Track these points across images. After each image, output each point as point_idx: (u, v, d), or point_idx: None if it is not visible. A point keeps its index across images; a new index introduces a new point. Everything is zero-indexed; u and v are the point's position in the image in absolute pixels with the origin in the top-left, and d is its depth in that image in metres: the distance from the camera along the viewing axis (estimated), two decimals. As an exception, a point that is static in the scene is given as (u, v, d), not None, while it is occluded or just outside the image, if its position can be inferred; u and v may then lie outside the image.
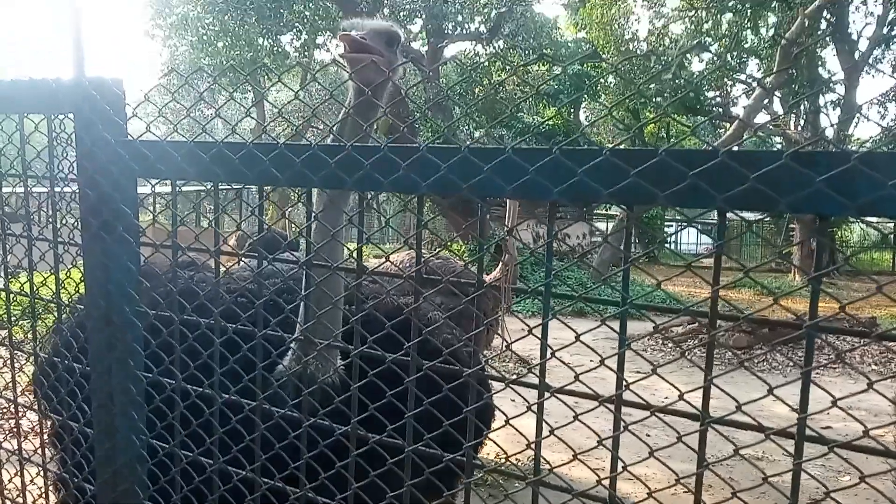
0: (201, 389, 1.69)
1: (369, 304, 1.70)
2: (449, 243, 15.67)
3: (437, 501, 1.71)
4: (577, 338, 1.28)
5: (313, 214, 1.73)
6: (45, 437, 2.16)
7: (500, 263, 7.03)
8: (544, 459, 1.28)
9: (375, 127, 1.97)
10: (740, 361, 1.23)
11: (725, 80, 22.81)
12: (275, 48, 19.94)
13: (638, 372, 1.52)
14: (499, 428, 1.46)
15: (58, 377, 2.01)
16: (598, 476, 1.22)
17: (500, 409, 1.53)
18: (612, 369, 1.19)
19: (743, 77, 22.86)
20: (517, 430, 1.39)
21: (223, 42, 19.26)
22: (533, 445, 1.30)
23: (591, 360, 1.24)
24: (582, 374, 1.22)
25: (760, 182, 1.05)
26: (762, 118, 20.81)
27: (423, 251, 1.47)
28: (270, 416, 1.63)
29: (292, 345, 1.91)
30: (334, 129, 1.90)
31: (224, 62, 17.81)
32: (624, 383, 1.19)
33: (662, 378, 1.27)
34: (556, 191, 1.22)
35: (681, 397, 1.15)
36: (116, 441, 1.84)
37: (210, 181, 1.67)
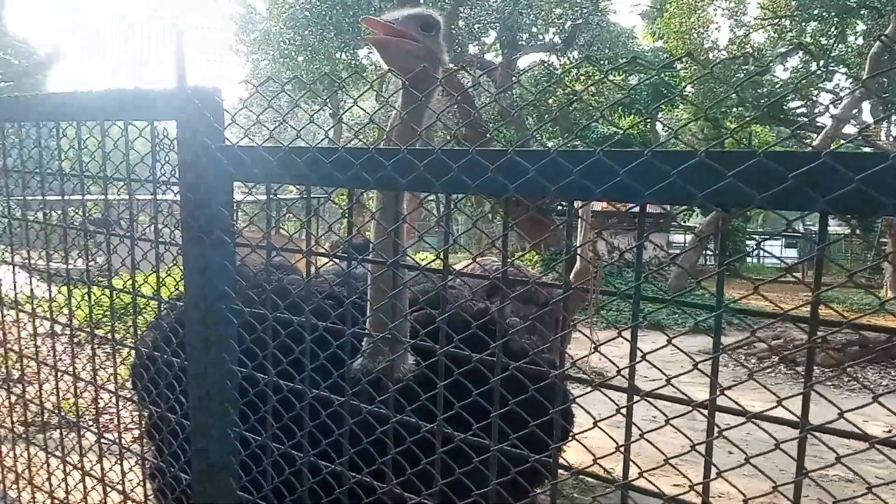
0: (292, 385, 1.75)
1: (452, 307, 1.72)
2: (522, 254, 15.59)
3: (522, 502, 1.71)
4: (670, 341, 1.26)
5: (372, 214, 1.77)
6: (143, 428, 2.27)
7: (573, 274, 6.98)
8: (633, 463, 1.27)
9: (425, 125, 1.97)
10: (840, 367, 1.19)
11: (811, 89, 21.96)
12: (352, 62, 20.40)
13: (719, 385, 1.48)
14: (584, 431, 1.46)
15: (157, 371, 2.11)
16: (691, 481, 1.21)
17: (584, 409, 1.51)
18: (704, 373, 1.17)
19: (829, 86, 21.97)
20: (606, 431, 1.38)
21: (303, 56, 19.82)
22: (615, 452, 1.30)
23: (679, 368, 1.23)
24: (673, 377, 1.21)
25: (865, 184, 1.02)
26: (851, 129, 19.93)
27: (494, 260, 1.49)
28: (356, 412, 1.68)
29: (364, 343, 1.96)
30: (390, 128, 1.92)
31: (304, 76, 18.30)
32: (718, 388, 1.17)
33: (758, 381, 1.25)
34: (648, 193, 1.21)
35: (779, 403, 1.13)
36: (211, 434, 1.92)
37: (303, 184, 1.74)
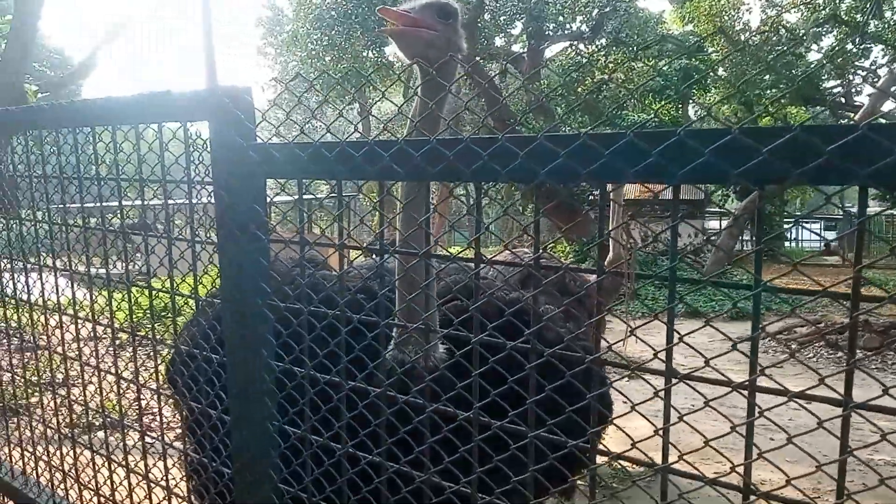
0: (329, 377, 1.77)
1: (485, 295, 1.72)
2: (552, 242, 15.52)
3: (560, 487, 1.70)
4: (707, 322, 1.24)
5: (402, 206, 1.78)
6: (184, 425, 2.32)
7: (606, 261, 6.91)
8: (673, 446, 1.25)
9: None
10: (883, 348, 1.16)
11: (847, 67, 21.42)
12: (379, 59, 20.46)
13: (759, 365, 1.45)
14: (621, 415, 1.45)
15: (196, 367, 2.15)
16: (733, 464, 1.19)
17: (622, 394, 1.50)
18: (744, 353, 1.16)
19: (866, 64, 21.39)
20: (645, 416, 1.37)
21: (330, 56, 19.94)
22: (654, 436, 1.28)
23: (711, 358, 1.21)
24: (712, 358, 1.19)
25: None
26: (890, 105, 19.39)
27: (525, 251, 1.48)
28: (392, 402, 1.69)
29: (393, 333, 1.97)
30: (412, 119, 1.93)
31: (332, 75, 18.41)
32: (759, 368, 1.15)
33: (799, 360, 1.22)
34: (681, 173, 1.20)
35: (822, 381, 1.10)
36: (251, 428, 1.95)
37: (334, 179, 1.75)
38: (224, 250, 1.94)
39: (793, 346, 10.59)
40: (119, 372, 2.50)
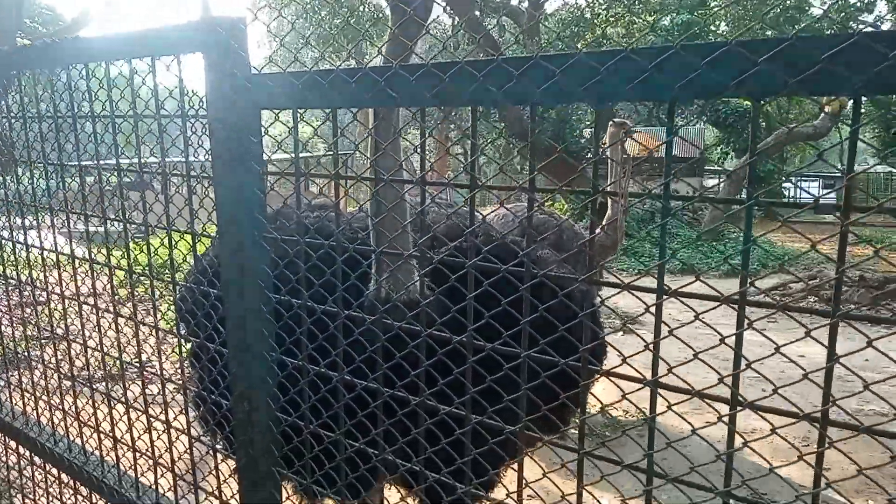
0: (325, 307, 1.79)
1: (481, 231, 1.73)
2: (550, 201, 15.48)
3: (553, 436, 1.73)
4: (698, 277, 1.26)
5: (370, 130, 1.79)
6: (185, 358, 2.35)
7: (605, 219, 6.93)
8: (662, 397, 1.27)
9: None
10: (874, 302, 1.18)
11: (851, 22, 21.13)
12: (375, 14, 20.16)
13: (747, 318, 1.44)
14: (614, 367, 1.46)
15: (195, 301, 2.17)
16: (719, 413, 1.21)
17: (615, 349, 1.51)
18: (732, 307, 1.17)
19: (870, 19, 21.12)
20: (635, 369, 1.39)
21: (326, 10, 19.64)
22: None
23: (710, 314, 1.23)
24: (702, 312, 1.21)
25: (902, 59, 0.99)
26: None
27: (522, 205, 1.48)
28: (386, 331, 1.71)
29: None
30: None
31: (328, 30, 18.15)
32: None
33: (787, 314, 1.24)
34: (678, 86, 1.19)
35: (808, 334, 1.13)
36: (249, 358, 1.97)
37: (329, 107, 1.74)
38: (219, 182, 1.94)
39: (787, 301, 10.69)
40: (117, 314, 2.52)
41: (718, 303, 1.22)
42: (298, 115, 1.80)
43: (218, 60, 1.88)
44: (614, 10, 19.24)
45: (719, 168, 24.35)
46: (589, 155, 17.21)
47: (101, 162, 2.48)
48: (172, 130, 2.19)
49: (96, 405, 2.73)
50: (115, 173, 2.45)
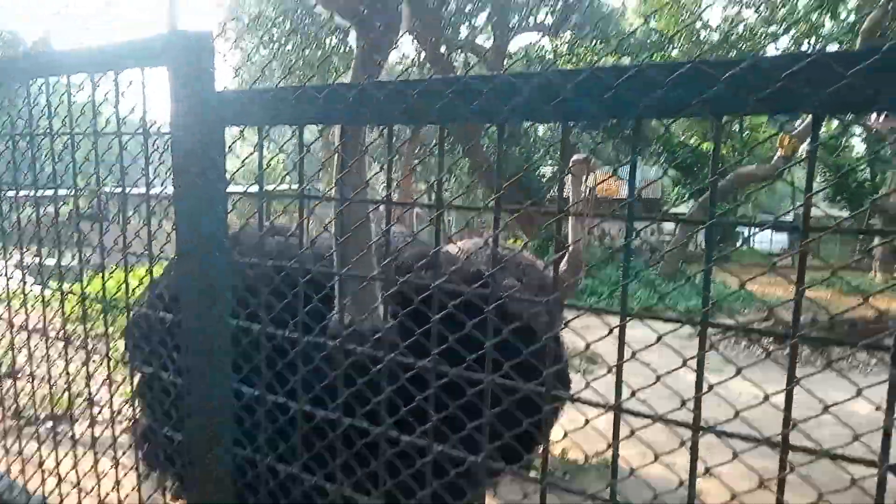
0: (285, 332, 1.75)
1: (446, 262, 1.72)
2: (513, 240, 15.60)
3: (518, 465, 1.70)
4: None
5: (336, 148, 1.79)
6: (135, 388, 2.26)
7: (565, 253, 6.97)
8: (624, 421, 1.27)
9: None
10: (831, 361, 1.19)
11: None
12: (343, 47, 20.28)
13: (719, 371, 1.46)
14: (575, 394, 1.46)
15: (150, 327, 2.10)
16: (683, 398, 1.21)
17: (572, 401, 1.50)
18: (692, 369, 1.18)
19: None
20: (592, 403, 1.39)
21: (293, 42, 19.70)
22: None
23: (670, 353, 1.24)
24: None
25: (859, 78, 1.02)
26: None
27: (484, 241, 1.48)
28: (348, 358, 1.68)
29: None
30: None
31: (294, 61, 18.18)
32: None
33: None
34: (643, 104, 1.21)
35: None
36: (205, 385, 1.91)
37: (296, 124, 1.72)
38: (180, 199, 1.89)
39: (742, 345, 10.83)
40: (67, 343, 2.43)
41: (680, 324, 1.23)
42: (264, 132, 1.78)
43: (184, 75, 1.85)
44: (577, 50, 19.73)
45: (675, 214, 24.88)
46: (551, 195, 17.44)
47: (57, 191, 2.42)
48: (134, 149, 2.15)
49: (41, 441, 2.62)
50: (72, 202, 2.39)
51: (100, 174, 2.20)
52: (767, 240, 29.42)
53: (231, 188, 1.87)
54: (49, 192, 2.54)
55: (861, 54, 1.03)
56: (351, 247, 1.89)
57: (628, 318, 1.29)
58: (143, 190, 2.08)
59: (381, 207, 1.59)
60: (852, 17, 18.82)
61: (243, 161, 1.93)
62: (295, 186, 1.77)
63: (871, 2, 16.65)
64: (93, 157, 2.21)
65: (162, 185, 2.02)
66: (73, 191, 2.32)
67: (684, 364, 1.24)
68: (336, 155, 1.89)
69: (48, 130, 2.38)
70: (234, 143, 1.88)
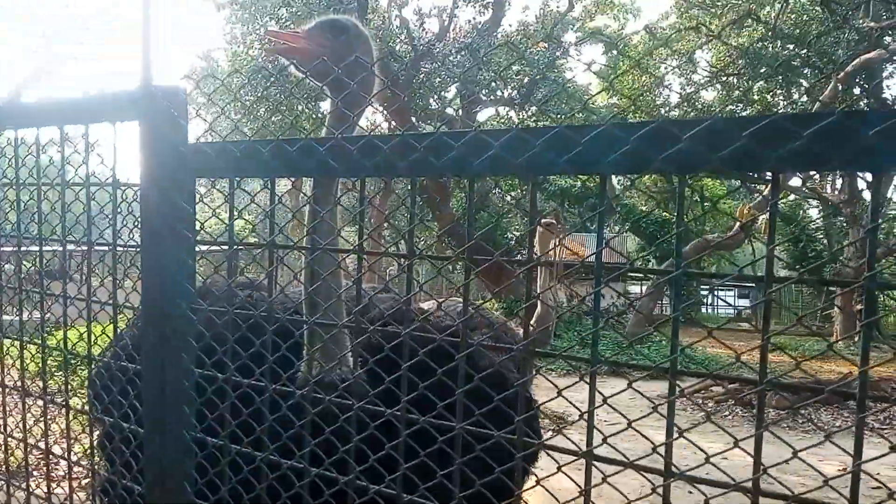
0: (250, 381, 1.72)
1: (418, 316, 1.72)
2: (483, 302, 15.60)
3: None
4: (630, 385, 1.28)
5: (309, 199, 1.82)
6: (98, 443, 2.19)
7: (534, 318, 7.03)
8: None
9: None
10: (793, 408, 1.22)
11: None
12: (313, 114, 20.55)
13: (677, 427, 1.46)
14: (548, 476, 1.45)
15: (111, 377, 2.05)
16: (654, 444, 1.21)
17: (547, 454, 1.50)
18: (662, 415, 1.20)
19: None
20: (569, 476, 1.39)
21: (264, 108, 19.93)
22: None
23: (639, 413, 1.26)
24: (635, 420, 1.22)
25: (814, 140, 1.07)
26: (796, 181, 20.72)
27: (458, 301, 1.50)
28: (316, 408, 1.65)
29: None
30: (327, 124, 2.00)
31: (265, 127, 18.34)
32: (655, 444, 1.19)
33: (714, 423, 1.27)
34: (608, 160, 1.25)
35: (736, 444, 1.16)
36: (166, 436, 1.86)
37: (268, 176, 1.74)
38: (147, 249, 1.88)
39: (710, 406, 10.89)
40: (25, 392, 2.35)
41: (650, 371, 1.24)
42: (235, 183, 1.79)
43: (155, 127, 1.86)
44: (542, 124, 20.26)
45: (641, 275, 25.27)
46: (519, 256, 17.61)
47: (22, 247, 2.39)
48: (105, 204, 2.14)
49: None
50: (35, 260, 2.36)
51: (66, 225, 2.17)
52: (731, 307, 29.90)
53: (201, 238, 1.86)
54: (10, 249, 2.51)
55: (816, 116, 1.09)
56: (321, 296, 1.89)
57: (597, 365, 1.30)
58: (109, 241, 2.05)
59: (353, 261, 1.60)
60: (805, 99, 19.72)
61: (213, 211, 1.92)
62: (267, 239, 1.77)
63: (821, 85, 17.52)
64: (59, 209, 2.19)
65: (129, 236, 2.00)
66: (39, 244, 2.29)
67: (655, 410, 1.24)
68: (308, 206, 1.91)
69: (14, 181, 2.35)
70: (205, 193, 1.88)
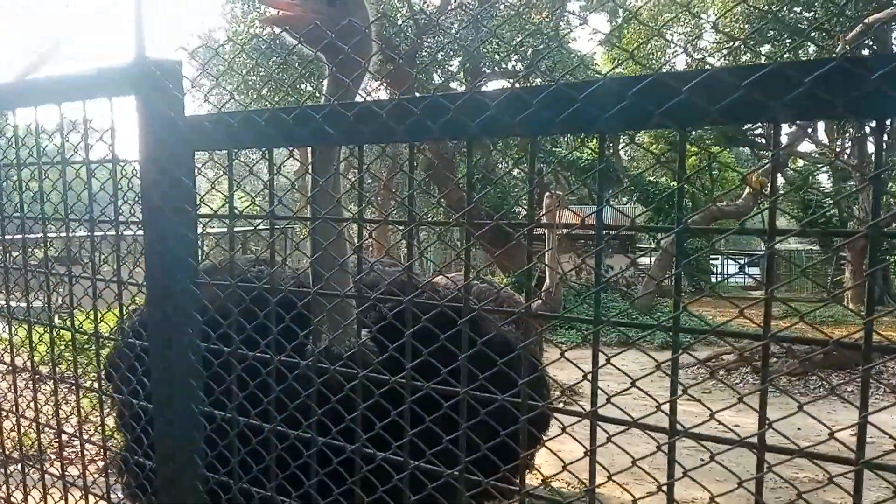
0: (255, 353, 1.72)
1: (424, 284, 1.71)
2: (488, 273, 15.61)
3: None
4: (633, 344, 1.26)
5: (309, 167, 1.81)
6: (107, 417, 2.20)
7: (542, 292, 7.01)
8: (601, 466, 1.26)
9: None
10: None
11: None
12: (316, 93, 20.44)
13: (689, 400, 1.46)
14: (553, 437, 1.45)
15: (119, 354, 2.06)
16: (658, 482, 1.20)
17: (557, 420, 1.49)
18: (667, 373, 1.18)
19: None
20: (577, 440, 1.38)
21: (267, 88, 19.82)
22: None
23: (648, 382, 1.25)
24: (637, 379, 1.22)
25: (816, 86, 1.05)
26: (806, 147, 20.53)
27: (460, 275, 1.49)
28: (321, 377, 1.66)
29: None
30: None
31: (265, 101, 18.25)
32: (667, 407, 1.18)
33: (721, 381, 1.26)
34: (607, 116, 1.23)
35: (740, 399, 1.15)
36: (174, 410, 1.87)
37: (265, 146, 1.72)
38: (149, 225, 1.88)
39: (721, 373, 10.89)
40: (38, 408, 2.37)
41: (654, 328, 1.23)
42: (233, 154, 1.78)
43: (152, 101, 1.85)
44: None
45: (648, 246, 25.21)
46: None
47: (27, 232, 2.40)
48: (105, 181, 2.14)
49: (8, 475, 2.54)
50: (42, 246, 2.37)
51: (67, 203, 2.17)
52: (741, 276, 29.79)
53: (202, 212, 1.85)
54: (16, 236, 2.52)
55: (818, 62, 1.07)
56: (325, 267, 1.88)
57: (601, 325, 1.29)
58: (111, 219, 2.05)
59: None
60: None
61: (212, 184, 1.91)
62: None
63: (829, 47, 17.25)
64: (61, 187, 2.18)
65: (130, 212, 2.00)
66: (42, 226, 2.30)
67: (658, 368, 1.24)
68: (307, 175, 1.90)
69: (15, 160, 2.35)
70: (202, 166, 1.87)
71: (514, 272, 16.95)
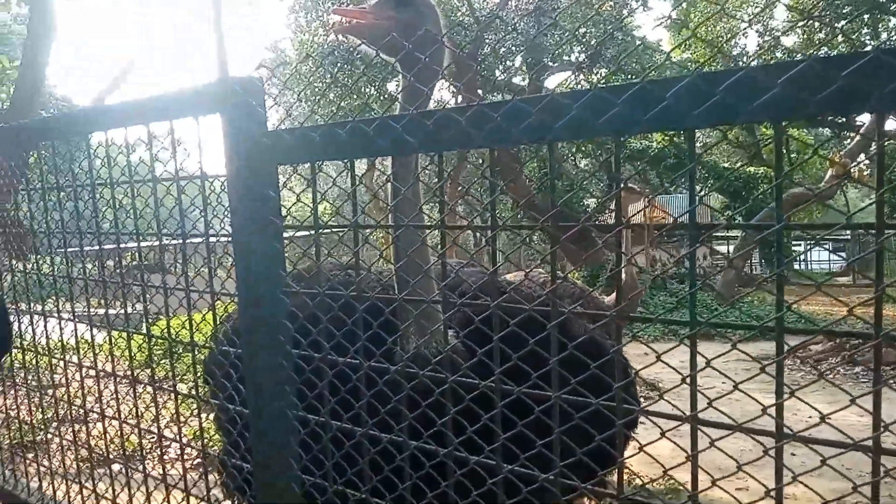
0: (346, 359, 1.76)
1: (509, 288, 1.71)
2: (569, 273, 15.46)
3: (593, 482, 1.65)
4: (734, 346, 1.23)
5: (388, 177, 1.82)
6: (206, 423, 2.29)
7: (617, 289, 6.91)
8: (703, 470, 1.23)
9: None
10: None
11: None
12: (381, 95, 20.67)
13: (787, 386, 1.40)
14: (649, 443, 1.42)
15: (215, 362, 2.14)
16: (766, 486, 1.16)
17: (651, 420, 1.46)
18: (771, 375, 1.14)
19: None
20: (673, 441, 1.35)
21: (334, 93, 20.18)
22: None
23: (723, 383, 1.21)
24: (740, 382, 1.18)
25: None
26: (892, 124, 19.46)
27: (542, 272, 1.48)
28: (413, 383, 1.68)
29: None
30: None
31: (336, 111, 18.58)
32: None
33: (829, 381, 1.23)
34: (696, 113, 1.20)
35: (853, 401, 1.09)
36: (269, 416, 1.93)
37: (347, 158, 1.76)
38: (238, 237, 1.94)
39: (820, 367, 10.44)
40: (139, 413, 2.49)
41: (756, 329, 1.19)
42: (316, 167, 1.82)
43: (236, 118, 1.91)
44: (615, 84, 19.70)
45: (724, 236, 24.41)
46: (599, 222, 17.33)
47: (121, 245, 2.51)
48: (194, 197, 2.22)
49: (113, 477, 2.67)
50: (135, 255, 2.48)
51: (160, 219, 2.27)
52: (825, 262, 28.58)
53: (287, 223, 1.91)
54: (111, 246, 2.64)
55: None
56: (410, 273, 1.90)
57: (696, 329, 1.26)
58: (202, 232, 2.13)
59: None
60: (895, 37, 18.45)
61: (298, 196, 1.96)
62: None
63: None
64: (152, 204, 2.28)
65: (220, 225, 2.07)
66: (137, 240, 2.41)
67: (763, 370, 1.20)
68: (389, 184, 1.92)
69: (108, 180, 2.47)
70: (287, 179, 1.92)
71: (587, 267, 16.75)
